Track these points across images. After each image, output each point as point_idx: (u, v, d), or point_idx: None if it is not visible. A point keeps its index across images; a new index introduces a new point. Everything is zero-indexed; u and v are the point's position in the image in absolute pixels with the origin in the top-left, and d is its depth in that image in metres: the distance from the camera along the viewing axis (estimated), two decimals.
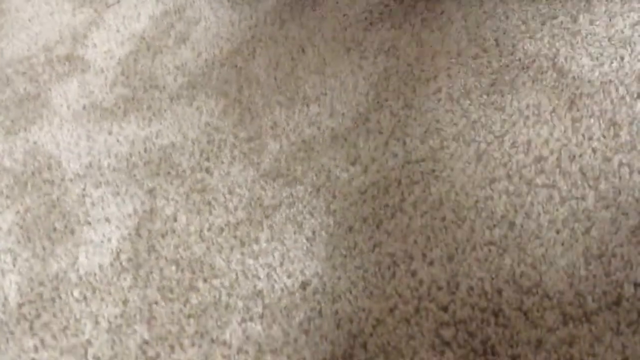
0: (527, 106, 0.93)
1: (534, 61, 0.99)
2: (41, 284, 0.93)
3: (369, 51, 1.13)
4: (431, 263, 0.80)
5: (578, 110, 0.90)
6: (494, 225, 0.81)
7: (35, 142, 1.17)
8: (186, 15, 1.37)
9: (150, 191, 1.01)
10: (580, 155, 0.85)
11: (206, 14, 1.36)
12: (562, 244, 0.77)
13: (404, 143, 0.95)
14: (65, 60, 1.35)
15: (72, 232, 0.99)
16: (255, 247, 0.89)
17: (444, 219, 0.84)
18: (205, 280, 0.86)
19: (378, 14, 1.21)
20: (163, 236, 0.94)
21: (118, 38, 1.37)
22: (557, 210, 0.80)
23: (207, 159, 1.03)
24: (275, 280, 0.84)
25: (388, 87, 1.05)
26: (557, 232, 0.78)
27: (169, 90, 1.19)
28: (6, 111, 1.26)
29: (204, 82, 1.18)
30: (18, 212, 1.04)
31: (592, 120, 0.88)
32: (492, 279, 0.76)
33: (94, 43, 1.38)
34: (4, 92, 1.31)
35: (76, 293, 0.90)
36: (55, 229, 1.00)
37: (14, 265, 0.96)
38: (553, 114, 0.91)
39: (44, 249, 0.97)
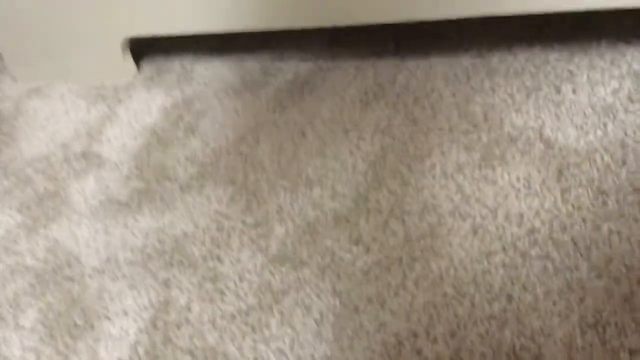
0: (518, 179, 0.97)
1: (521, 134, 1.04)
2: None
3: (366, 131, 1.19)
4: (435, 340, 0.83)
5: (566, 180, 0.94)
6: (493, 299, 0.84)
7: (55, 240, 1.22)
8: (194, 107, 1.45)
9: (165, 282, 1.05)
10: (571, 225, 0.88)
11: (213, 104, 1.44)
12: (559, 315, 0.79)
13: (403, 221, 1.00)
14: (82, 157, 1.43)
15: (92, 327, 1.03)
16: (267, 333, 0.92)
17: (445, 295, 0.88)
18: None
19: (372, 94, 1.27)
20: (178, 327, 0.98)
21: (131, 132, 1.44)
22: (552, 281, 0.83)
23: (218, 247, 1.08)
24: None
25: (385, 166, 1.10)
26: (554, 303, 0.81)
27: (180, 181, 1.25)
28: (28, 210, 1.32)
29: (212, 171, 1.24)
30: (41, 309, 1.09)
31: (580, 190, 0.92)
32: (494, 353, 0.78)
33: (108, 138, 1.46)
34: (25, 191, 1.38)
35: None
36: (76, 325, 1.04)
37: None
38: (543, 185, 0.95)
39: (66, 346, 1.02)
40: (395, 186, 1.06)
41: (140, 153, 1.37)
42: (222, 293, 1.00)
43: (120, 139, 1.44)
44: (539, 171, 0.97)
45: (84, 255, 1.17)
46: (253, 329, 0.93)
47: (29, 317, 1.09)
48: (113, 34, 1.54)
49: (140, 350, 0.97)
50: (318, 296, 0.94)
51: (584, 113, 1.02)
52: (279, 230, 1.07)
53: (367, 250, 0.97)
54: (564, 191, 0.92)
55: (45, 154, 1.48)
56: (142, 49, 1.69)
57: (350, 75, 1.35)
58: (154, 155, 1.35)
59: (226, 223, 1.12)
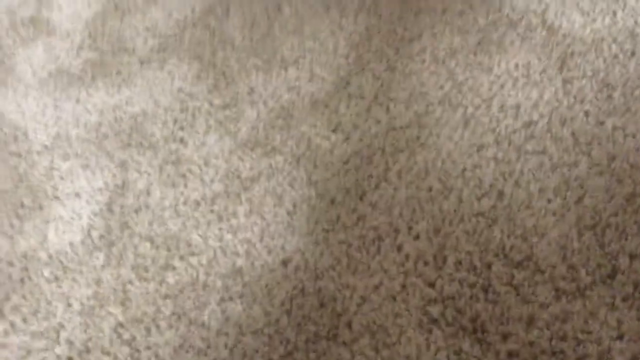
0: (516, 66, 0.88)
1: (522, 18, 0.94)
2: (10, 264, 0.88)
3: (349, 9, 1.08)
4: (417, 237, 0.76)
5: (569, 70, 0.85)
6: (483, 195, 0.77)
7: (0, 112, 1.10)
8: None
9: (122, 164, 0.96)
10: (572, 119, 0.81)
11: None
12: (554, 214, 0.73)
13: (388, 108, 0.91)
14: (30, 22, 1.28)
15: (41, 207, 0.94)
16: (234, 222, 0.85)
17: (430, 189, 0.80)
18: (181, 258, 0.82)
19: None
20: (136, 212, 0.89)
21: None
22: (548, 177, 0.76)
23: (181, 129, 0.98)
24: (255, 257, 0.80)
25: (370, 48, 1.00)
26: (549, 201, 0.74)
27: (139, 54, 1.13)
28: None
29: (175, 44, 1.12)
30: None
31: (584, 81, 0.84)
32: (481, 252, 0.73)
33: (59, 4, 1.30)
34: None
35: (47, 273, 0.86)
36: (23, 205, 0.95)
37: None
38: (543, 75, 0.86)
39: (12, 226, 0.93)
40: (380, 70, 0.96)
41: (95, 21, 1.23)
42: (185, 178, 0.91)
43: (73, 5, 1.29)
44: (539, 59, 0.88)
45: (31, 130, 1.06)
46: (219, 217, 0.85)
47: None
48: None
49: (94, 234, 0.88)
50: (291, 185, 0.86)
51: None
52: (250, 113, 0.97)
53: (347, 138, 0.89)
54: (566, 82, 0.84)
55: None
56: None
57: None
58: (110, 24, 1.21)
59: (191, 103, 1.01)
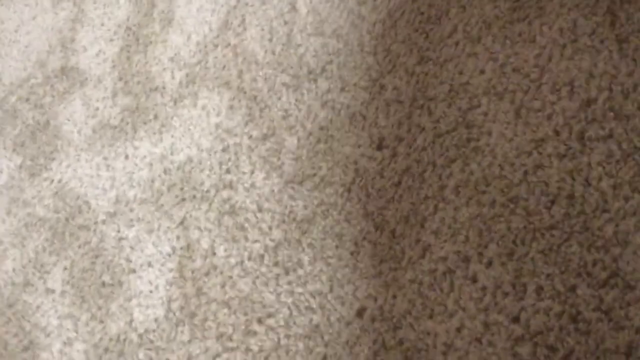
0: (561, 31, 0.78)
1: None
2: (106, 350, 0.92)
3: None
4: (490, 263, 0.71)
5: (622, 25, 0.74)
6: (552, 203, 0.71)
7: (59, 182, 1.13)
8: None
9: (182, 222, 0.96)
10: (635, 87, 0.71)
11: None
12: (634, 214, 0.66)
13: (429, 110, 0.83)
14: (62, 74, 1.28)
15: (120, 283, 0.97)
16: (301, 272, 0.83)
17: (493, 203, 0.74)
18: (259, 322, 0.83)
19: None
20: (207, 275, 0.90)
21: (105, 35, 1.26)
22: (621, 169, 0.68)
23: (228, 171, 0.96)
24: (329, 311, 0.79)
25: (397, 37, 0.91)
26: (626, 199, 0.67)
27: (170, 92, 1.10)
28: (24, 149, 1.22)
29: (202, 72, 1.08)
30: (65, 268, 1.03)
31: None
32: (562, 273, 0.67)
33: (83, 46, 1.29)
34: (16, 126, 1.26)
35: (141, 355, 0.89)
36: (104, 284, 0.98)
37: (77, 332, 0.96)
38: (593, 37, 0.75)
39: (99, 308, 0.96)
40: (412, 64, 0.88)
41: (120, 58, 1.21)
42: (244, 229, 0.90)
43: (96, 44, 1.27)
44: (585, 17, 0.77)
45: (92, 198, 1.07)
46: (286, 270, 0.84)
47: (56, 277, 1.03)
48: None
49: (174, 306, 0.90)
50: (348, 221, 0.83)
51: None
52: (290, 141, 0.93)
53: (394, 155, 0.83)
54: (620, 41, 0.73)
55: (25, 77, 1.33)
56: None
57: None
58: (136, 59, 1.19)
59: (230, 140, 0.98)
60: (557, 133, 0.73)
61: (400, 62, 0.89)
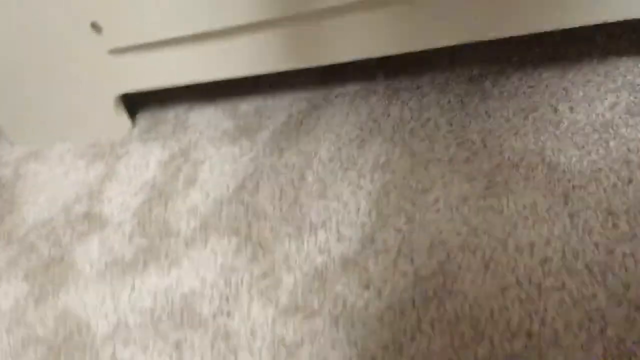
0: (524, 206, 0.95)
1: (522, 158, 1.02)
2: None
3: (365, 169, 1.18)
4: None
5: (573, 203, 0.92)
6: (512, 337, 0.82)
7: (64, 308, 1.21)
8: (192, 157, 1.44)
9: (176, 344, 1.03)
10: (584, 251, 0.86)
11: (210, 153, 1.43)
12: (582, 348, 0.77)
13: (412, 260, 0.98)
14: (84, 218, 1.42)
15: None
16: None
17: (462, 335, 0.85)
18: None
19: (368, 130, 1.26)
20: None
21: (131, 190, 1.43)
22: (571, 313, 0.81)
23: (227, 302, 1.06)
24: None
25: (389, 203, 1.08)
26: (575, 336, 0.79)
27: (184, 236, 1.24)
28: (34, 279, 1.31)
29: (215, 222, 1.23)
30: None
31: (589, 213, 0.90)
32: None
33: (109, 197, 1.45)
34: (30, 259, 1.37)
35: None
36: None
37: None
38: (550, 211, 0.93)
39: None
40: (400, 224, 1.04)
41: (142, 210, 1.36)
42: (235, 352, 0.98)
43: (121, 196, 1.43)
44: (544, 196, 0.95)
45: (93, 321, 1.15)
46: None
47: None
48: (106, 90, 1.54)
49: None
50: (333, 347, 0.92)
51: (584, 131, 1.01)
52: (287, 279, 1.05)
53: (379, 294, 0.95)
54: (572, 215, 0.90)
55: (48, 219, 1.47)
56: (136, 101, 1.69)
57: (344, 113, 1.34)
58: (156, 210, 1.34)
59: (233, 276, 1.10)
60: (519, 282, 0.87)
61: (389, 222, 1.05)
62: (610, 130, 0.99)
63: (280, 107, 1.46)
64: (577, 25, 1.01)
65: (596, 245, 0.85)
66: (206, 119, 1.55)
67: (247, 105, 1.53)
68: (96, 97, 1.55)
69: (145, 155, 1.52)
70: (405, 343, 0.88)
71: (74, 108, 1.60)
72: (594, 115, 1.02)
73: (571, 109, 1.05)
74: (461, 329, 0.86)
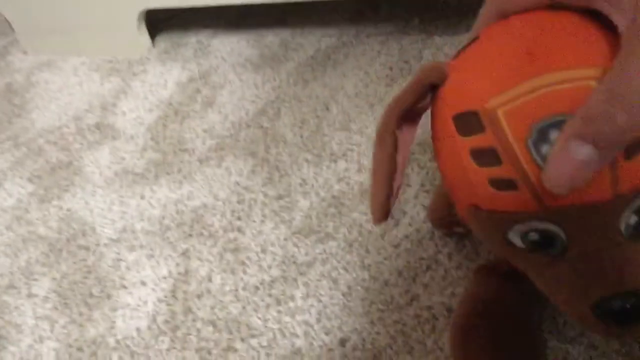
0: None
1: None
2: (79, 349, 0.93)
3: None
4: None
5: None
6: None
7: (69, 210, 1.19)
8: (211, 80, 1.42)
9: (184, 252, 1.02)
10: None
11: (231, 78, 1.40)
12: None
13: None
14: (95, 128, 1.39)
15: (109, 296, 1.00)
16: (292, 305, 0.89)
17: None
18: (242, 340, 0.87)
19: (398, 70, 1.24)
20: (199, 297, 0.94)
21: (146, 105, 1.41)
22: None
23: (239, 218, 1.05)
24: (313, 338, 0.84)
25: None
26: None
27: (198, 153, 1.22)
28: (39, 180, 1.29)
29: (231, 144, 1.21)
30: (54, 278, 1.06)
31: None
32: None
33: (122, 111, 1.42)
34: (37, 161, 1.35)
35: (115, 358, 0.90)
36: (91, 295, 1.01)
37: (52, 332, 0.97)
38: None
39: (81, 314, 0.98)
40: (424, 161, 1.02)
41: (156, 125, 1.34)
42: (244, 264, 0.97)
43: (136, 111, 1.41)
44: None
45: (98, 225, 1.14)
46: (277, 301, 0.90)
47: (43, 285, 1.05)
48: (129, 6, 1.50)
49: (160, 319, 0.94)
50: (345, 269, 0.91)
51: None
52: (303, 203, 1.04)
53: (397, 223, 0.94)
54: None
55: (58, 126, 1.44)
56: (158, 24, 1.66)
57: (375, 51, 1.32)
58: (171, 127, 1.32)
59: (247, 195, 1.09)
60: None
61: (413, 158, 1.03)
62: None
63: (308, 41, 1.44)
64: None
65: None
66: (229, 46, 1.53)
67: (273, 37, 1.50)
68: (120, 10, 1.52)
69: (164, 75, 1.50)
70: (420, 272, 0.87)
71: (94, 20, 1.56)
72: None
73: None
74: (478, 264, 0.85)
